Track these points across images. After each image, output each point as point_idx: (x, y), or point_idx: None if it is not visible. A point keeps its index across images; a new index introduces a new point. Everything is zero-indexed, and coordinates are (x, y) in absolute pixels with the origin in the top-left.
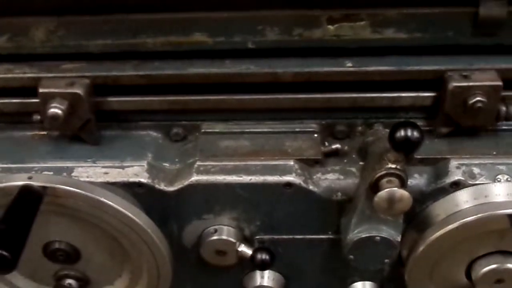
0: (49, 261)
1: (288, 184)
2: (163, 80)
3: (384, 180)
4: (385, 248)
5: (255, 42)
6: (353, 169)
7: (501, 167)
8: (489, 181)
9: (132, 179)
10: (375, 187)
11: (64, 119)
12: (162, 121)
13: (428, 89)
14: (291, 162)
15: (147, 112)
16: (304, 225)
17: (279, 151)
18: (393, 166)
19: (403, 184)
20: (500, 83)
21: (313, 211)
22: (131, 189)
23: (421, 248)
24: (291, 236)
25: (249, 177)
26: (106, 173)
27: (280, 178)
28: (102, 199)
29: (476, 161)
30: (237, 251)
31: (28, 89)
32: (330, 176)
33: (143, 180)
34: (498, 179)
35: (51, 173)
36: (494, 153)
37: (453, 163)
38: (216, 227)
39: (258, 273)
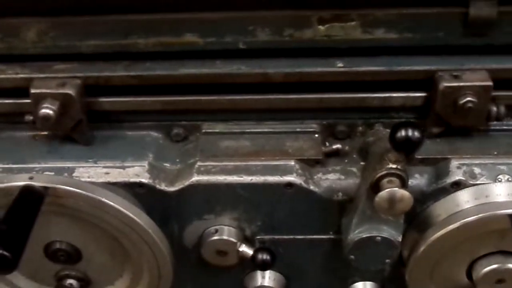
0: (50, 261)
1: (289, 184)
2: (155, 80)
3: (385, 180)
4: (386, 248)
5: (246, 42)
6: (354, 169)
7: (502, 167)
8: (490, 181)
9: (133, 179)
10: (376, 187)
11: (56, 119)
12: (163, 121)
13: (419, 89)
14: (292, 162)
15: (140, 112)
16: (305, 225)
17: (280, 151)
18: (394, 166)
19: (404, 184)
20: (490, 83)
21: (314, 211)
22: (132, 189)
23: (422, 248)
24: (292, 236)
25: (250, 177)
26: (107, 173)
27: (281, 178)
28: (103, 199)
29: (477, 161)
30: (238, 251)
31: (21, 89)
32: (331, 176)
33: (144, 180)
34: (499, 179)
35: (52, 173)
36: (495, 153)
37: (454, 163)
38: (217, 227)
39: (259, 273)
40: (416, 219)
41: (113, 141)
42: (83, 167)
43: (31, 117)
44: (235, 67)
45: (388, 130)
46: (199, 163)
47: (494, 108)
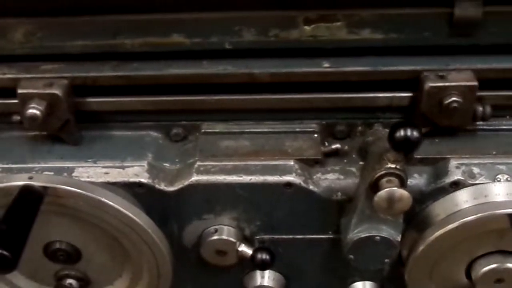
0: (50, 261)
1: (288, 184)
2: (142, 80)
3: (384, 179)
4: (385, 248)
5: (232, 42)
6: (353, 169)
7: (500, 166)
8: (488, 181)
9: (132, 179)
10: (375, 187)
11: (43, 119)
12: (162, 121)
13: (404, 89)
14: (291, 162)
15: (130, 112)
16: (304, 225)
17: (279, 151)
18: (393, 166)
19: (402, 184)
20: (475, 83)
21: (313, 211)
22: (132, 189)
23: (421, 248)
24: (291, 236)
25: (249, 177)
26: (106, 173)
27: (280, 178)
28: (103, 199)
29: (476, 161)
30: (237, 251)
31: (8, 90)
32: (330, 176)
33: (143, 180)
34: (498, 179)
35: (52, 173)
36: (494, 152)
37: (453, 162)
38: (216, 227)
39: (258, 273)
40: (415, 218)
41: (113, 141)
42: (82, 167)
43: (18, 117)
44: (221, 67)
45: (387, 130)
46: (198, 163)
47: (480, 108)
